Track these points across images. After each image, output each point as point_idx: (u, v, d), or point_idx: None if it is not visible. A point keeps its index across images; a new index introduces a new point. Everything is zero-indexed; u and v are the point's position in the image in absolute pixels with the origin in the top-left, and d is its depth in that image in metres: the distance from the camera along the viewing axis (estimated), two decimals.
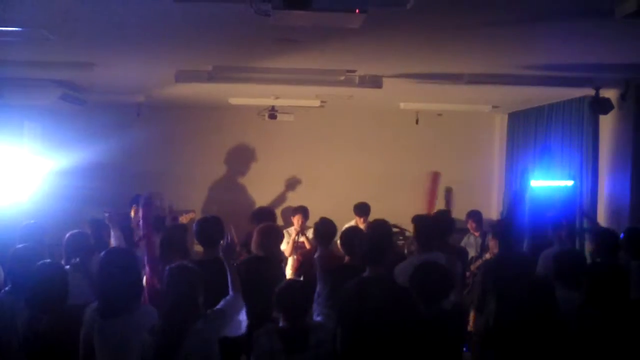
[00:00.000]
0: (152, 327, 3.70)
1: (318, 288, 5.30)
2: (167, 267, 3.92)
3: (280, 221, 8.85)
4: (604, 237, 5.80)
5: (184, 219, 8.19)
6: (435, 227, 5.59)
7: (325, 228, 6.03)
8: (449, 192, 8.32)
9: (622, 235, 5.74)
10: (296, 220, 8.24)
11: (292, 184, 10.56)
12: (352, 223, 8.20)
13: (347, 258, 5.39)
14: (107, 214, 6.10)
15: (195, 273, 3.86)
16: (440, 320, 4.04)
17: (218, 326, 3.85)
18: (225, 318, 3.92)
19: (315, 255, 5.98)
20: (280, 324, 3.90)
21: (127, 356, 3.82)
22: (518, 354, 4.03)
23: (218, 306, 3.99)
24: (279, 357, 3.82)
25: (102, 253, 4.20)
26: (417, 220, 5.69)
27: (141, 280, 4.05)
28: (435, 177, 7.04)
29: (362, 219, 8.31)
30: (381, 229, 5.74)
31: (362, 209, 8.46)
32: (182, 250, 5.36)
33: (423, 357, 3.99)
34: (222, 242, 4.36)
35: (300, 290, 4.01)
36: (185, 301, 3.74)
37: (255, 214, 6.98)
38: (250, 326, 4.11)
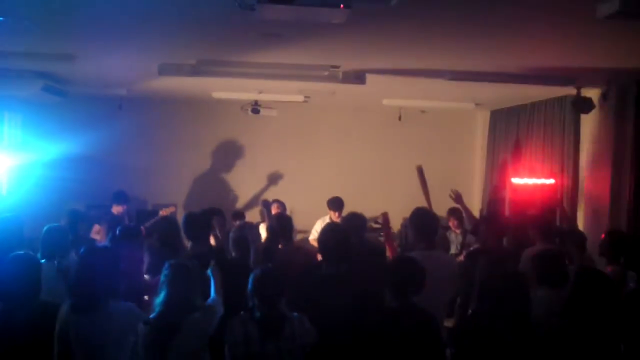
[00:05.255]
0: (147, 319, 3.78)
1: None
2: (167, 263, 3.95)
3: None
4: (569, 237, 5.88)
5: (163, 213, 8.15)
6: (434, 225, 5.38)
7: (283, 224, 6.04)
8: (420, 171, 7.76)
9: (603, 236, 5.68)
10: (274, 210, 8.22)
11: (274, 179, 10.55)
12: (327, 218, 8.18)
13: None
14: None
15: (195, 271, 3.93)
16: (410, 315, 4.00)
17: (213, 319, 3.93)
18: (216, 314, 4.00)
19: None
20: (256, 313, 3.90)
21: (102, 353, 3.80)
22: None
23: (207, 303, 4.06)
24: (253, 345, 3.80)
25: (83, 249, 4.15)
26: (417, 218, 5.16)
27: (119, 277, 4.00)
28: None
29: (336, 214, 8.18)
30: (338, 227, 5.56)
31: (335, 204, 8.41)
32: (175, 245, 5.31)
33: (397, 354, 3.96)
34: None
35: (275, 277, 3.99)
36: (182, 298, 3.83)
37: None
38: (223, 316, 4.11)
